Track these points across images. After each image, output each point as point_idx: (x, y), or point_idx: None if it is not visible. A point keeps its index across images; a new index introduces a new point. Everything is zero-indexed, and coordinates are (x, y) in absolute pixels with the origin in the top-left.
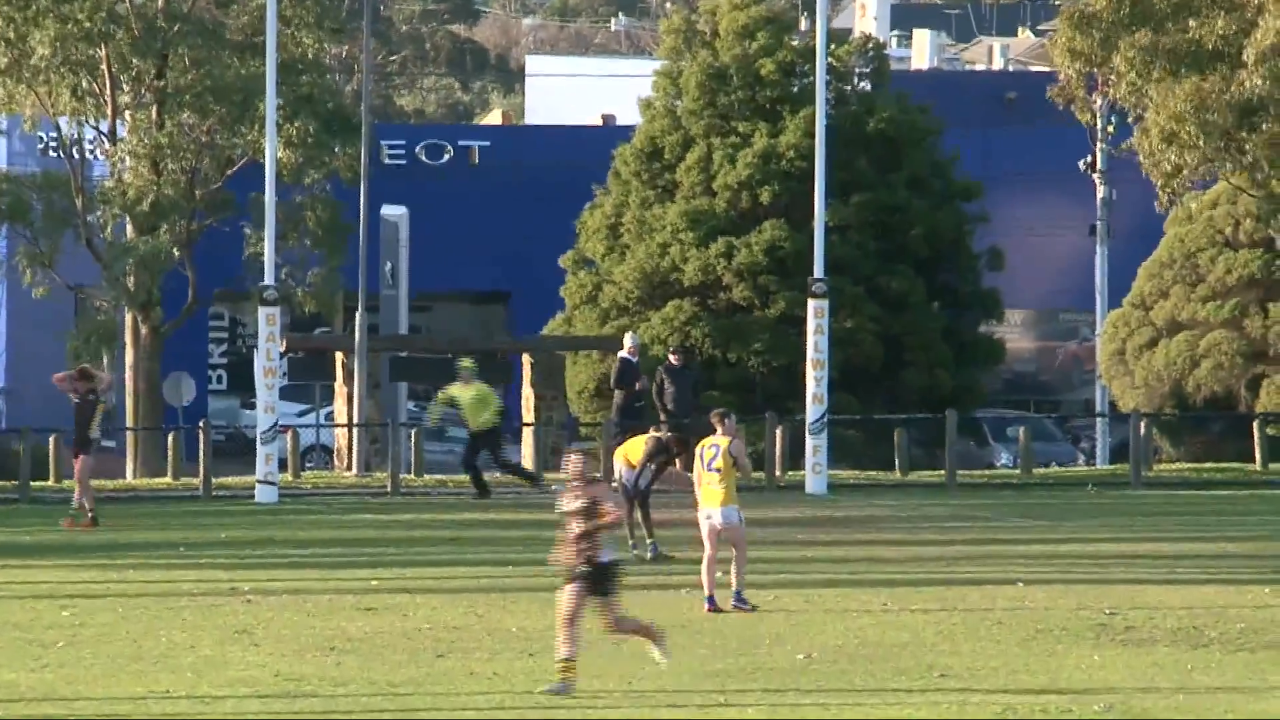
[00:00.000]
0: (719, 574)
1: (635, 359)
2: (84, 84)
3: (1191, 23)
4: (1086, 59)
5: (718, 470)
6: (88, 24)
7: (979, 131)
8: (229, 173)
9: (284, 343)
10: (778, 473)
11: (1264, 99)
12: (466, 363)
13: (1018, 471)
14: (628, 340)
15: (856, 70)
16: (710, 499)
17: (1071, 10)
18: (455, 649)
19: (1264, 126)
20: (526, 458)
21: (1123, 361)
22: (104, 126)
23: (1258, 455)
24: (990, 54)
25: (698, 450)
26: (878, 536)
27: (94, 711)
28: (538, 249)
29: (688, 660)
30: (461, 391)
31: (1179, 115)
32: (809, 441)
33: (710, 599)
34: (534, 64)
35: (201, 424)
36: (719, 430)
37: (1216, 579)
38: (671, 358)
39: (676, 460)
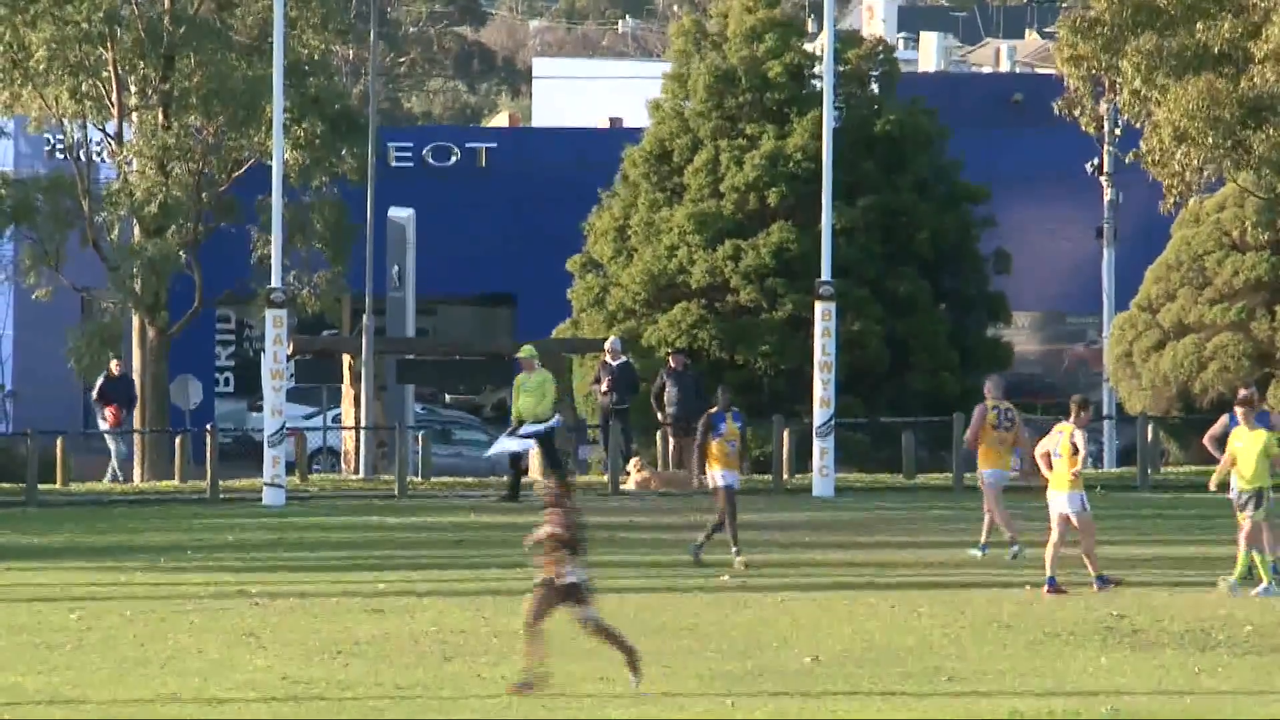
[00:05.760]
0: (1063, 553)
1: (614, 361)
2: (84, 86)
3: (1199, 25)
4: (1090, 65)
5: (1060, 455)
6: (85, 25)
7: (985, 133)
8: (236, 175)
9: (291, 345)
10: (785, 475)
11: (1275, 96)
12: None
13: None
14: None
15: (870, 74)
16: (1056, 484)
17: (1074, 16)
18: (462, 652)
19: (1269, 131)
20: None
21: (1130, 364)
22: (110, 128)
23: None
24: (997, 56)
25: (1049, 437)
26: (884, 539)
27: (100, 715)
28: (545, 251)
29: (695, 663)
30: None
31: (1190, 111)
32: (816, 444)
33: (1050, 580)
34: (541, 66)
35: (209, 427)
36: (1072, 416)
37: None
38: (671, 361)
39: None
